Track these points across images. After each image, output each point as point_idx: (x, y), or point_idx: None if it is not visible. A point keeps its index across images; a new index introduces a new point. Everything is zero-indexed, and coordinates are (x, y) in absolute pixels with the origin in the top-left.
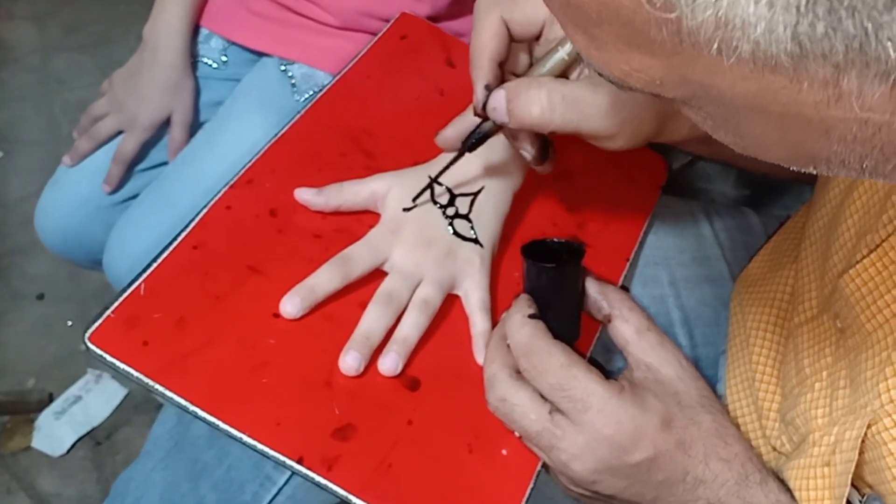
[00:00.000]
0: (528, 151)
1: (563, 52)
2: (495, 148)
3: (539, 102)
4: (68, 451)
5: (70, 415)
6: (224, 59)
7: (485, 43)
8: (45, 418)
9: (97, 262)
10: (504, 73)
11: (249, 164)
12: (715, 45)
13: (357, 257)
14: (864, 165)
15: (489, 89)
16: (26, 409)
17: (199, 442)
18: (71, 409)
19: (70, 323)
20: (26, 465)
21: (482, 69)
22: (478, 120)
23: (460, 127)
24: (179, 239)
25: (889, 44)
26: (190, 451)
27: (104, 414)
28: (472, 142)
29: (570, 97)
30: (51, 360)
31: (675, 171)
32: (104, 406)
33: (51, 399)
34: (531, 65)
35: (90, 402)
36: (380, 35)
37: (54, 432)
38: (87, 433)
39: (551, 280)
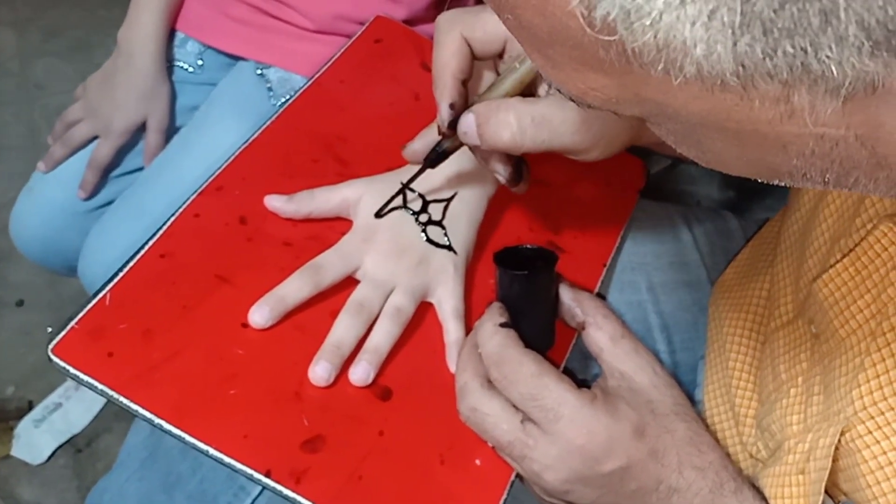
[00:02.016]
0: (502, 174)
1: (524, 69)
2: (468, 154)
3: (509, 126)
4: (48, 459)
5: (50, 422)
6: (200, 63)
7: (446, 61)
8: (24, 426)
9: (74, 269)
10: (468, 91)
11: (219, 171)
12: (660, 66)
13: (328, 265)
14: (827, 179)
15: (454, 108)
16: (5, 416)
17: (173, 453)
18: (51, 417)
19: (50, 330)
20: (6, 473)
21: (446, 88)
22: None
23: (428, 139)
24: (146, 248)
25: (831, 62)
26: (164, 463)
27: (84, 421)
28: (432, 158)
29: (539, 117)
30: (30, 367)
31: (658, 174)
32: (84, 413)
33: (30, 407)
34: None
35: (70, 409)
36: (353, 39)
37: (34, 440)
38: (68, 441)
39: (524, 287)
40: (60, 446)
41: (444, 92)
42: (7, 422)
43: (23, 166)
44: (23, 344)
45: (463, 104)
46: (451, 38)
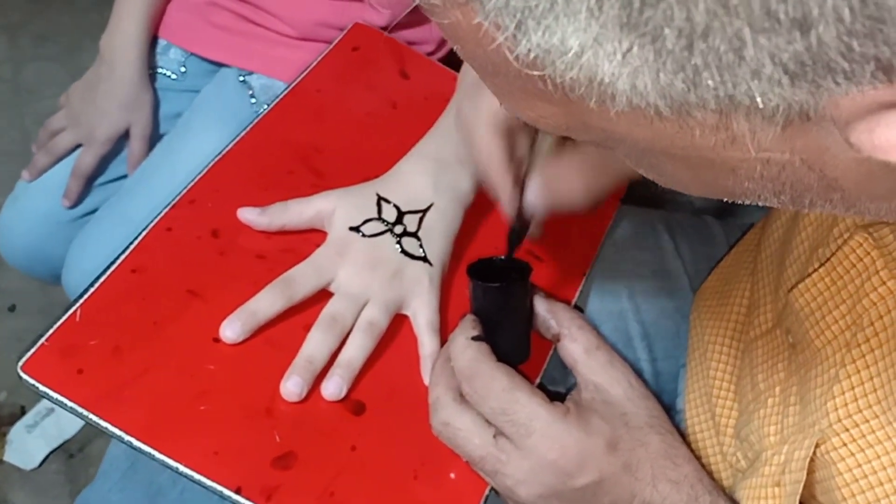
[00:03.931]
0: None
1: None
2: (442, 163)
3: (574, 188)
4: (41, 464)
5: (42, 428)
6: (183, 70)
7: (489, 156)
8: (17, 432)
9: (60, 278)
10: (515, 164)
11: (192, 184)
12: (593, 99)
13: (301, 279)
14: (781, 200)
15: (514, 193)
16: None
17: (154, 464)
18: (43, 423)
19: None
20: None
21: (501, 182)
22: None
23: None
24: (117, 263)
25: (755, 93)
26: (145, 473)
27: (77, 426)
28: (513, 239)
29: (596, 163)
30: None
31: (640, 178)
32: (77, 419)
33: (23, 412)
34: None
35: (63, 414)
36: (330, 47)
37: (26, 446)
38: (60, 446)
39: (497, 300)
40: (53, 451)
41: (503, 186)
42: None
43: (15, 171)
44: (15, 349)
45: (520, 182)
46: (484, 129)
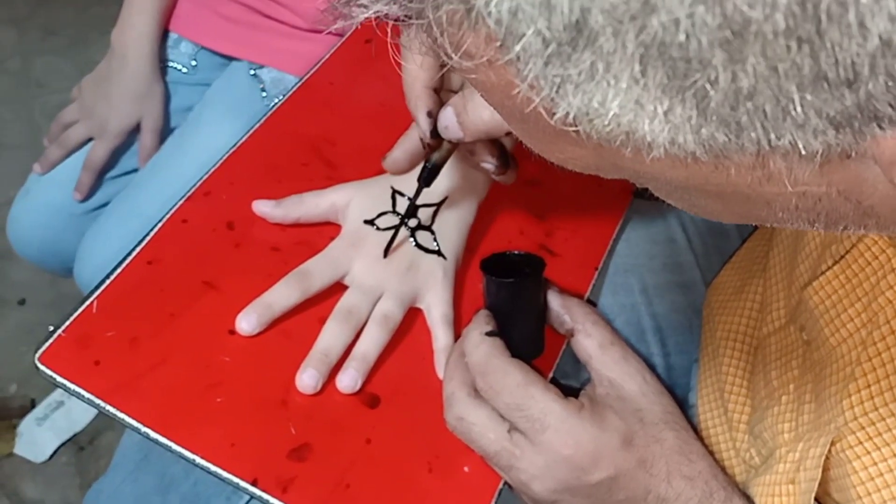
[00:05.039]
0: (490, 162)
1: None
2: (459, 158)
3: (486, 105)
4: (51, 456)
5: (52, 420)
6: (194, 63)
7: (416, 73)
8: (27, 424)
9: (71, 270)
10: (441, 98)
11: (207, 176)
12: (629, 149)
13: (316, 272)
14: (816, 227)
15: (432, 115)
16: (8, 415)
17: (167, 455)
18: (53, 415)
19: (51, 328)
20: (9, 471)
21: (419, 99)
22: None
23: (407, 146)
24: (133, 254)
25: (797, 141)
26: (157, 464)
27: (87, 419)
28: (425, 176)
29: None
30: (32, 365)
31: None
32: (86, 411)
33: (33, 405)
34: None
35: (72, 407)
36: (343, 39)
37: (37, 438)
38: (70, 439)
39: (510, 295)
40: (63, 444)
41: (419, 103)
42: (10, 420)
43: (23, 165)
44: (25, 342)
45: (439, 111)
46: (415, 60)
